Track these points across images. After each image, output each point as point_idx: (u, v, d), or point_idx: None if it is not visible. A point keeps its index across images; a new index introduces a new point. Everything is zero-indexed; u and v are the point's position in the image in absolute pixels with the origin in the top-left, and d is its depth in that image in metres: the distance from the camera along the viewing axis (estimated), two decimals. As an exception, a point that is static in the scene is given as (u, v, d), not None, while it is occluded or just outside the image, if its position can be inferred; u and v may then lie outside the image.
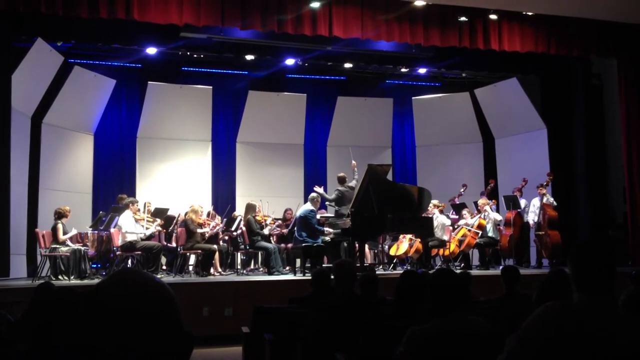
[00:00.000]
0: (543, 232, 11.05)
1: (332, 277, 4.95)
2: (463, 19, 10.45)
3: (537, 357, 2.15)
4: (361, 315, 3.95)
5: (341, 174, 10.73)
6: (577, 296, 2.31)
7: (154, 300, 1.11)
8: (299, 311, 4.67)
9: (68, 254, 9.29)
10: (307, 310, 4.52)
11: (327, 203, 11.52)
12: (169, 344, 1.09)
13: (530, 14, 10.69)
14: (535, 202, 11.32)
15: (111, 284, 1.12)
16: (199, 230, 10.12)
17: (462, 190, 12.19)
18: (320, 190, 10.82)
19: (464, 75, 13.97)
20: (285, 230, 11.29)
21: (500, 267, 7.45)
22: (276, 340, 4.62)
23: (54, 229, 9.52)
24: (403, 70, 13.51)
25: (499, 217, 11.21)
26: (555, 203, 11.14)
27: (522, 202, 11.48)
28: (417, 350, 2.95)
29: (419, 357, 2.94)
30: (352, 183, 10.49)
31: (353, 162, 10.90)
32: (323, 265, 9.57)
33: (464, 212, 11.41)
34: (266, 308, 5.33)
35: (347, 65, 13.14)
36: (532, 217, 11.34)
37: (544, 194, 11.13)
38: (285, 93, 13.90)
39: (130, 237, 9.67)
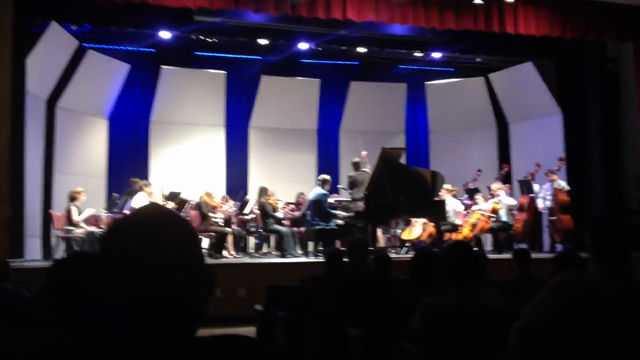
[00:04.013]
0: (555, 217, 10.99)
1: (346, 258, 4.97)
2: (478, 1, 10.34)
3: (551, 324, 2.15)
4: (375, 291, 3.97)
5: (356, 159, 10.69)
6: (592, 266, 2.32)
7: (177, 234, 1.08)
8: (313, 289, 4.68)
9: (83, 235, 9.38)
10: (320, 288, 4.54)
11: (339, 186, 11.57)
12: (195, 279, 1.07)
13: (546, -4, 10.59)
14: (546, 188, 11.25)
15: (130, 218, 1.10)
16: (211, 215, 10.16)
17: (477, 174, 12.13)
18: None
19: (478, 60, 13.85)
20: (297, 214, 11.30)
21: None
22: (289, 317, 4.64)
23: (68, 212, 9.61)
24: (417, 54, 13.37)
25: (513, 201, 11.15)
26: (567, 187, 11.07)
27: (536, 187, 11.42)
28: (430, 322, 2.95)
29: (433, 330, 2.94)
30: (367, 168, 10.43)
31: (363, 152, 10.87)
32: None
33: (478, 196, 11.36)
34: (280, 286, 5.35)
35: (361, 49, 13.01)
36: (541, 203, 11.28)
37: (554, 180, 11.06)
38: (299, 78, 13.86)
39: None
